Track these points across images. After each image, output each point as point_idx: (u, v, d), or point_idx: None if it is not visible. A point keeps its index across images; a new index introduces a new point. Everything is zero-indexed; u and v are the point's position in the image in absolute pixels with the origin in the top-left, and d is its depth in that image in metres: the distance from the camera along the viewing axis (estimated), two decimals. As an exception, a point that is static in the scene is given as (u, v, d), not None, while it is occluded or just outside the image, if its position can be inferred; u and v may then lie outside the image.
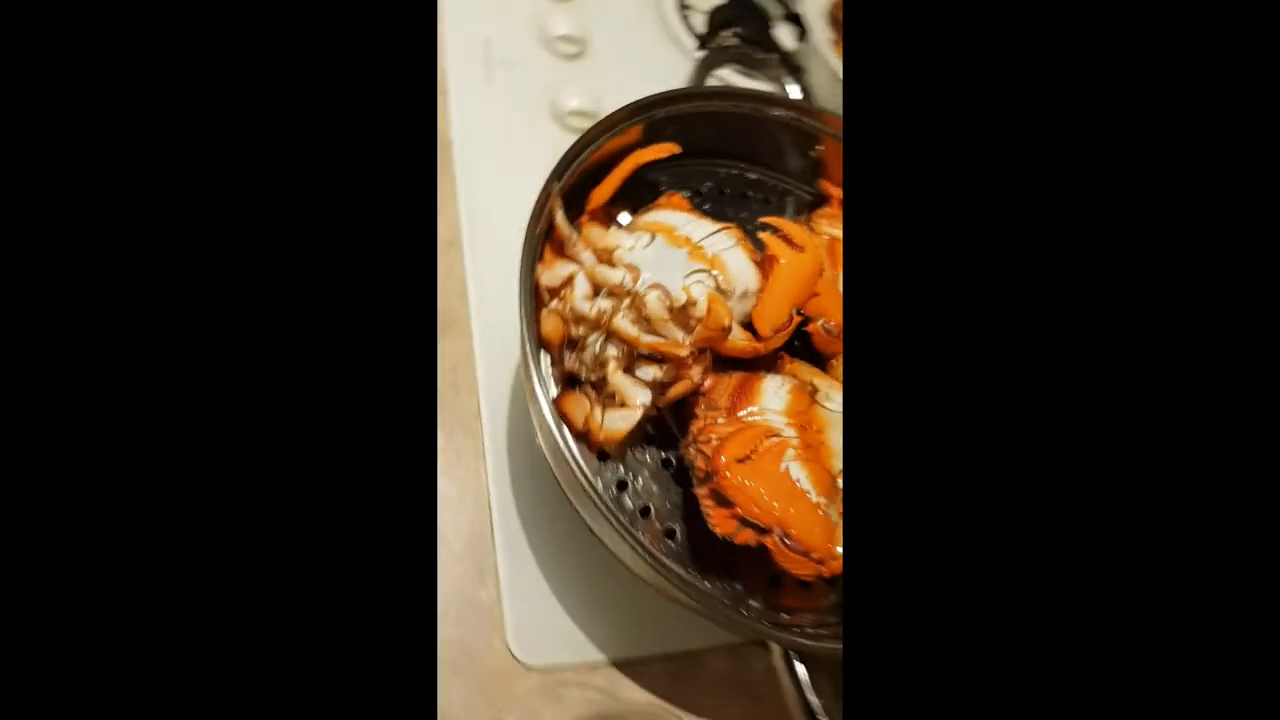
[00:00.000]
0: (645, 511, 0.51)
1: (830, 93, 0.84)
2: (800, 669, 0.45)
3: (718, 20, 0.95)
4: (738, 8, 0.97)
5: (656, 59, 0.88)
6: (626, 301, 0.51)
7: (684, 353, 0.48)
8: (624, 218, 0.62)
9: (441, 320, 0.66)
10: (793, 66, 0.95)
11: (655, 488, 0.53)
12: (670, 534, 0.51)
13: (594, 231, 0.55)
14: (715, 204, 0.67)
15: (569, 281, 0.53)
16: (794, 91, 0.78)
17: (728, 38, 0.95)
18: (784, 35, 0.99)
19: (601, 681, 0.56)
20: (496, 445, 0.61)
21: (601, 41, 0.87)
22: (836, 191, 0.68)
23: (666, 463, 0.54)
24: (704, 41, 0.92)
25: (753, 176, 0.71)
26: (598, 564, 0.55)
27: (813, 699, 0.45)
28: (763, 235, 0.54)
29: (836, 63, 0.83)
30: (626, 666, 0.57)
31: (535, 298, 0.51)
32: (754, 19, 0.97)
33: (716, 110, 0.64)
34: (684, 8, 0.96)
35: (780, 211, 0.70)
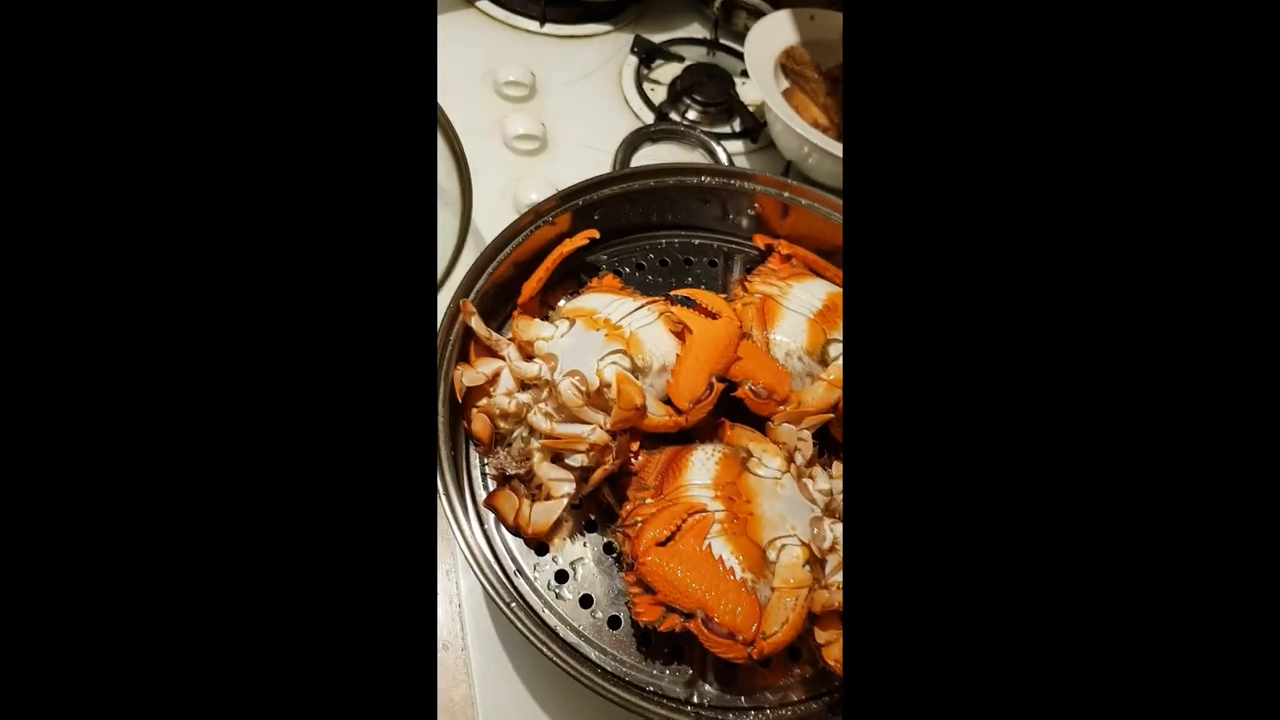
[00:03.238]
0: (586, 601, 0.51)
1: (792, 143, 0.84)
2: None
3: (676, 90, 0.97)
4: (695, 75, 0.99)
5: (617, 139, 0.90)
6: (545, 393, 0.52)
7: (584, 445, 0.49)
8: (563, 303, 0.64)
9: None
10: (755, 121, 0.96)
11: (598, 575, 0.52)
12: (614, 622, 0.51)
13: (521, 324, 0.57)
14: (658, 275, 0.67)
15: (496, 379, 0.54)
16: (721, 156, 0.78)
17: (689, 105, 0.97)
18: (747, 92, 1.00)
19: (581, 771, 0.55)
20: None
21: (560, 134, 0.90)
22: (769, 242, 0.68)
23: (609, 548, 0.53)
24: (662, 113, 0.95)
25: (697, 242, 0.71)
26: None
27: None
28: (676, 310, 0.54)
29: (786, 111, 0.83)
30: (608, 757, 0.56)
31: (453, 405, 0.53)
32: (713, 82, 0.99)
33: (642, 188, 0.65)
34: (643, 83, 0.99)
35: (729, 271, 0.70)
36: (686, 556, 0.46)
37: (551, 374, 0.52)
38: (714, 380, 0.52)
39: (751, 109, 0.98)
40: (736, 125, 0.96)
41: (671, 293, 0.57)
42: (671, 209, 0.69)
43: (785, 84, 0.92)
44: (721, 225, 0.71)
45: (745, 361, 0.54)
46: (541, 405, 0.51)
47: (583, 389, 0.51)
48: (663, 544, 0.47)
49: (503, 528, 0.52)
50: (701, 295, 0.55)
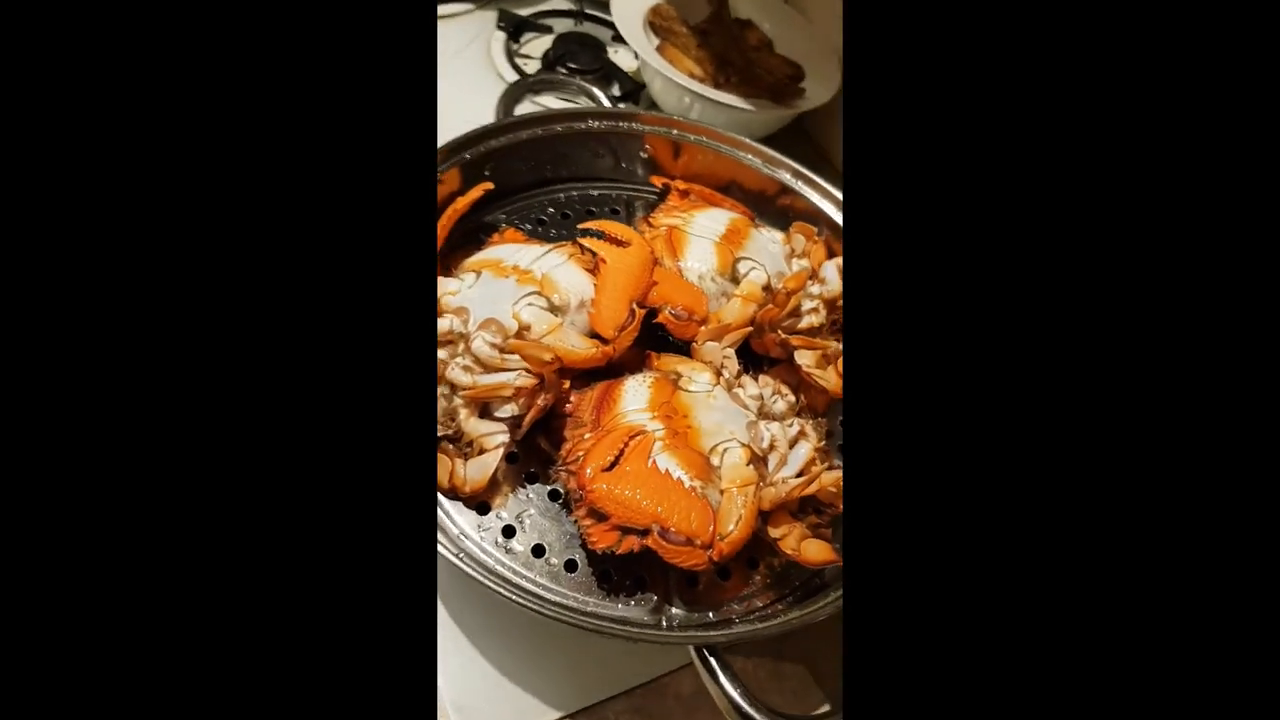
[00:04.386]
0: (539, 550, 0.49)
1: (673, 97, 0.85)
2: (713, 662, 0.43)
3: (549, 60, 0.96)
4: (567, 44, 0.99)
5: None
6: (460, 347, 0.50)
7: (509, 391, 0.47)
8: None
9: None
10: (634, 83, 0.97)
11: (547, 523, 0.51)
12: (571, 566, 0.49)
13: (427, 288, 0.55)
14: (560, 228, 0.66)
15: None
16: (604, 101, 0.78)
17: (561, 74, 0.96)
18: (620, 56, 1.01)
19: (562, 738, 0.53)
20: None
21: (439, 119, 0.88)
22: (665, 181, 0.68)
23: (554, 495, 0.52)
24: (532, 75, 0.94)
25: (595, 193, 0.71)
26: (524, 623, 0.52)
27: (732, 692, 0.42)
28: (586, 241, 0.54)
29: (662, 64, 0.84)
30: (587, 714, 0.54)
31: None
32: (585, 50, 0.99)
33: (530, 138, 0.64)
34: (514, 57, 0.98)
35: (631, 218, 0.70)
36: (634, 476, 0.45)
37: (465, 326, 0.50)
38: (635, 306, 0.52)
39: (629, 73, 0.99)
40: (615, 90, 0.97)
41: (580, 225, 0.56)
42: (564, 162, 0.69)
43: (656, 41, 0.93)
44: (616, 174, 0.71)
45: (661, 285, 0.54)
46: (459, 360, 0.49)
47: (500, 335, 0.49)
48: (608, 470, 0.46)
49: (438, 494, 0.50)
50: (609, 226, 0.55)
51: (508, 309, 0.51)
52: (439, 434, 0.50)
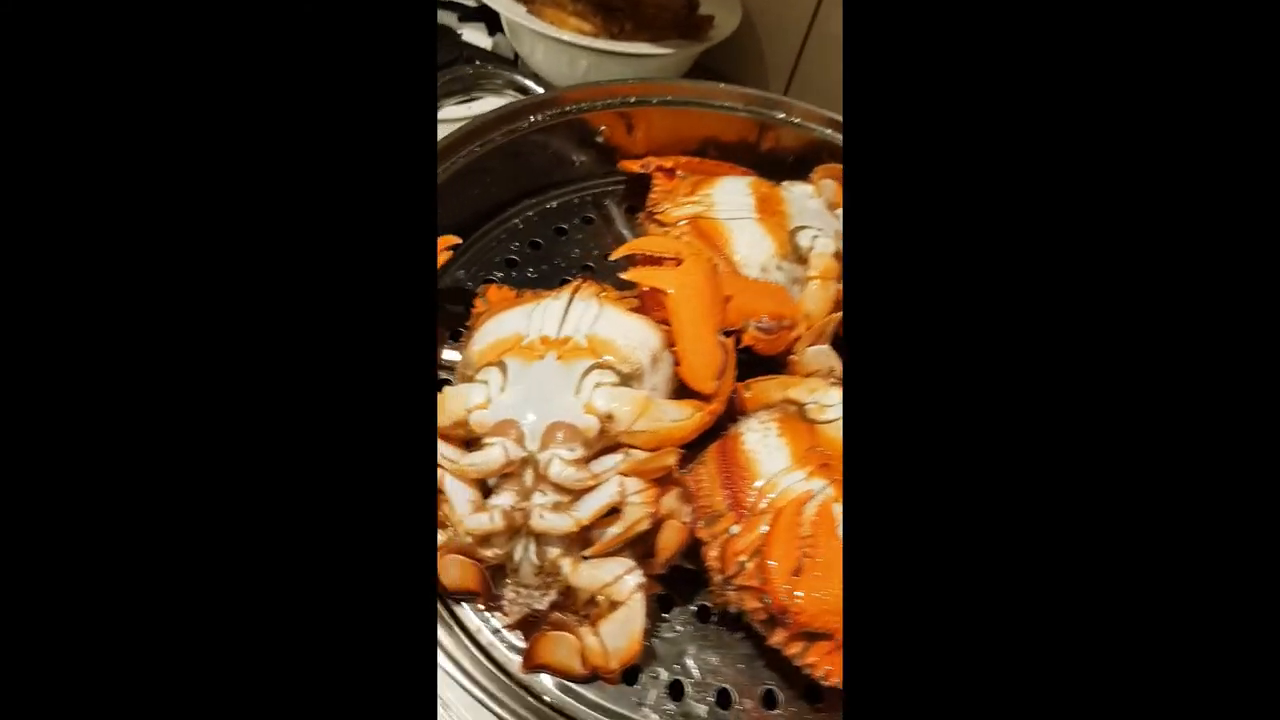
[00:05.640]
0: (724, 699, 0.36)
1: (562, 62, 0.70)
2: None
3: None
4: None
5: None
6: (530, 475, 0.35)
7: (646, 524, 0.33)
8: (449, 353, 0.46)
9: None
10: (501, 60, 0.80)
11: (713, 658, 0.37)
12: (770, 700, 0.37)
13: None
14: (538, 263, 0.51)
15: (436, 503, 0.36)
16: (535, 86, 0.62)
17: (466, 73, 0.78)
18: (473, 35, 0.84)
19: None
20: None
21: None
22: (642, 165, 0.54)
23: (703, 614, 0.39)
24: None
25: (555, 204, 0.55)
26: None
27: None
28: (628, 275, 0.39)
29: (546, 26, 0.69)
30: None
31: None
32: (437, 41, 0.81)
33: (469, 163, 0.48)
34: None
35: (607, 221, 0.55)
36: (834, 564, 0.33)
37: (523, 446, 0.35)
38: (721, 338, 0.38)
39: (489, 51, 0.82)
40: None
41: (611, 258, 0.42)
42: (510, 179, 0.53)
43: (522, 8, 0.77)
44: (571, 173, 0.56)
45: (738, 297, 0.40)
46: (538, 496, 0.34)
47: (582, 447, 0.35)
48: (797, 573, 0.33)
49: (567, 682, 0.35)
50: (646, 244, 0.41)
51: (570, 402, 0.36)
52: (540, 606, 0.35)
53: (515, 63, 0.78)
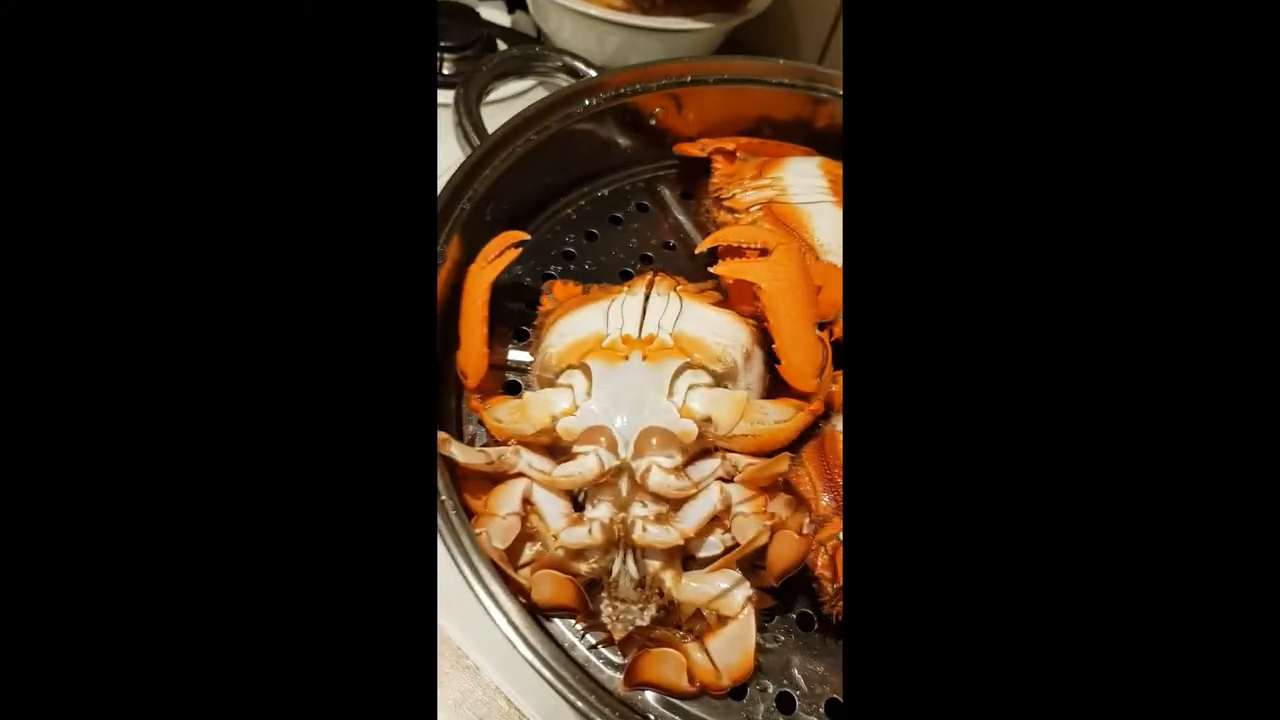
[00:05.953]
0: (834, 709, 0.34)
1: (585, 38, 0.67)
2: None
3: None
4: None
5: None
6: (626, 485, 0.33)
7: (765, 538, 0.31)
8: (515, 354, 0.43)
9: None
10: (524, 38, 0.77)
11: (819, 668, 0.36)
12: (883, 709, 0.35)
13: (503, 412, 0.36)
14: (596, 255, 0.49)
15: (525, 514, 0.34)
16: (588, 70, 0.59)
17: (441, 61, 0.75)
18: (497, 15, 0.80)
19: None
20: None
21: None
22: (700, 146, 0.52)
23: (805, 622, 0.37)
24: (449, 78, 0.72)
25: (607, 192, 0.53)
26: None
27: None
28: (718, 270, 0.37)
29: (574, 1, 0.66)
30: None
31: (502, 579, 0.32)
32: (455, 21, 0.77)
33: (526, 152, 0.45)
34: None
35: (662, 208, 0.53)
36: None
37: (617, 454, 0.33)
38: (819, 330, 0.36)
39: (510, 28, 0.79)
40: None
41: (696, 251, 0.39)
42: (561, 168, 0.50)
43: (548, -20, 0.73)
44: (619, 158, 0.53)
45: (827, 288, 0.38)
46: (637, 507, 0.32)
47: (680, 453, 0.32)
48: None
49: (671, 698, 0.33)
50: (732, 235, 0.38)
51: (663, 406, 0.33)
52: (643, 621, 0.33)
53: (539, 39, 0.75)
